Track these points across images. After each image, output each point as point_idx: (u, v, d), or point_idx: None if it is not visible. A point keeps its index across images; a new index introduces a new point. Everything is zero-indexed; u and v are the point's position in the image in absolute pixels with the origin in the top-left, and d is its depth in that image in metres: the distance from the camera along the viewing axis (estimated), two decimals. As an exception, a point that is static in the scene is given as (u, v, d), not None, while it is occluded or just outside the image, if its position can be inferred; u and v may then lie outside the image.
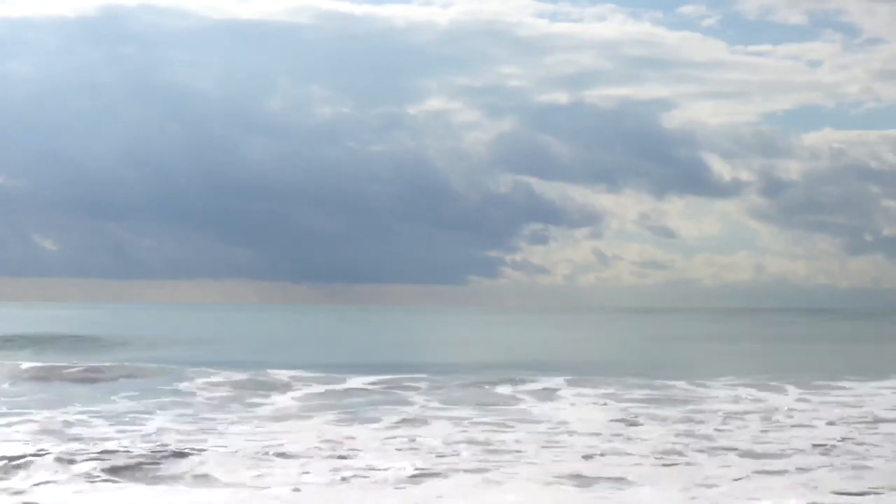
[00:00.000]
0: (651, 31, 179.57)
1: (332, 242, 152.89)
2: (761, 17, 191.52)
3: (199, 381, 33.79)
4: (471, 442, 21.12)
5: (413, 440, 21.24)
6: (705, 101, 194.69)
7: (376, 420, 24.68)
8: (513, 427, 23.52)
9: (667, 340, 70.82)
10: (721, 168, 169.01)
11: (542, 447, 20.55)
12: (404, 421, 24.54)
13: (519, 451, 19.93)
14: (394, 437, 21.66)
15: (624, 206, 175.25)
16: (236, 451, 19.20)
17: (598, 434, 22.48)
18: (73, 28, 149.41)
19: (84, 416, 24.51)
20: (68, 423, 23.14)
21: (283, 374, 35.39)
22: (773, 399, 30.39)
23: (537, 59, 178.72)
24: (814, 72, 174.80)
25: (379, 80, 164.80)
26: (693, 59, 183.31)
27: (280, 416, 25.44)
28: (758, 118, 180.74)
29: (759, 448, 20.63)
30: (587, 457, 19.43)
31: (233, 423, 23.97)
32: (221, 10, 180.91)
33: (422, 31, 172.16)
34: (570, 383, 34.22)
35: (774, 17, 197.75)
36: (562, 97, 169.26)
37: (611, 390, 32.17)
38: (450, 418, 25.04)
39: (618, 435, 22.41)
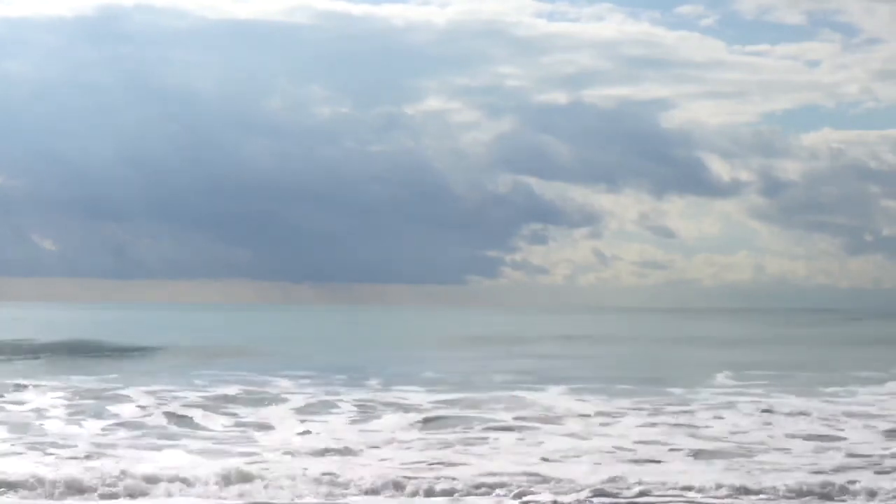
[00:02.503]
0: (649, 30, 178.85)
1: (332, 242, 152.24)
2: (759, 17, 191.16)
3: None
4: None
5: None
6: (704, 100, 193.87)
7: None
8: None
9: (666, 341, 70.44)
10: (720, 168, 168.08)
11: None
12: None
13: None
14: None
15: (623, 206, 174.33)
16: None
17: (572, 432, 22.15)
18: (71, 28, 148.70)
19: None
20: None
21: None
22: (765, 402, 29.98)
23: (536, 58, 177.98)
24: (812, 72, 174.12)
25: (378, 80, 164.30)
26: (692, 58, 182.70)
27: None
28: (757, 118, 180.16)
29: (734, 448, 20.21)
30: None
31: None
32: (219, 9, 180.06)
33: (420, 30, 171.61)
34: (561, 384, 33.92)
35: (772, 17, 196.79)
36: (560, 97, 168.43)
37: (601, 388, 31.86)
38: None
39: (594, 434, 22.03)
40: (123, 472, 16.38)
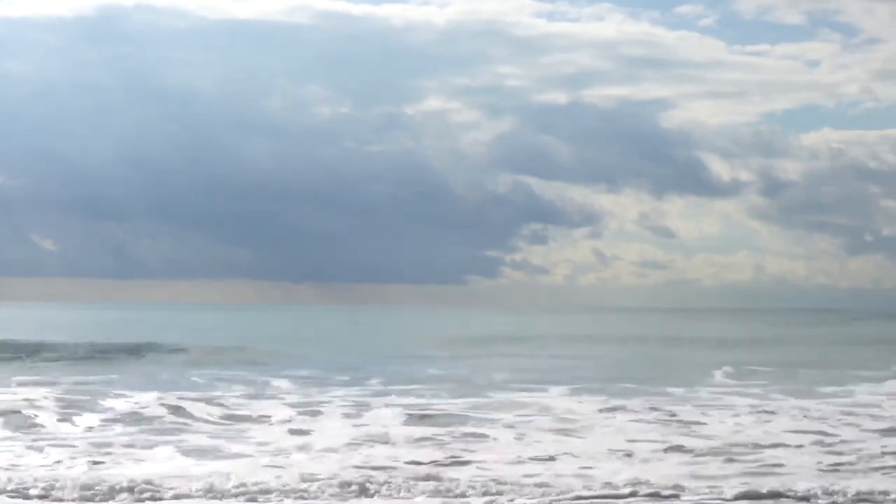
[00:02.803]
0: (649, 30, 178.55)
1: (332, 242, 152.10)
2: (759, 17, 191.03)
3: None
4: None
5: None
6: (704, 100, 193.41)
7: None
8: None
9: (666, 341, 70.38)
10: (720, 168, 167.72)
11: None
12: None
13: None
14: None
15: (623, 206, 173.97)
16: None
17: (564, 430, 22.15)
18: (71, 28, 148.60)
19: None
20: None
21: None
22: (763, 401, 29.98)
23: (535, 58, 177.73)
24: (812, 72, 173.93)
25: (377, 80, 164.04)
26: (691, 58, 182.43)
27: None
28: (757, 118, 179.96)
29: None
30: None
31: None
32: (219, 9, 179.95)
33: (420, 30, 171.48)
34: (560, 384, 33.91)
35: (772, 17, 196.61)
36: (560, 97, 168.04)
37: (600, 387, 31.83)
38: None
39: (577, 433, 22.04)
40: (127, 480, 16.36)
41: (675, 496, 15.83)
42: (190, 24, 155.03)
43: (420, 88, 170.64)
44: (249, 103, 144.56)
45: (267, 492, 15.63)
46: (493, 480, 16.45)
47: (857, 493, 15.98)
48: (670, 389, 32.05)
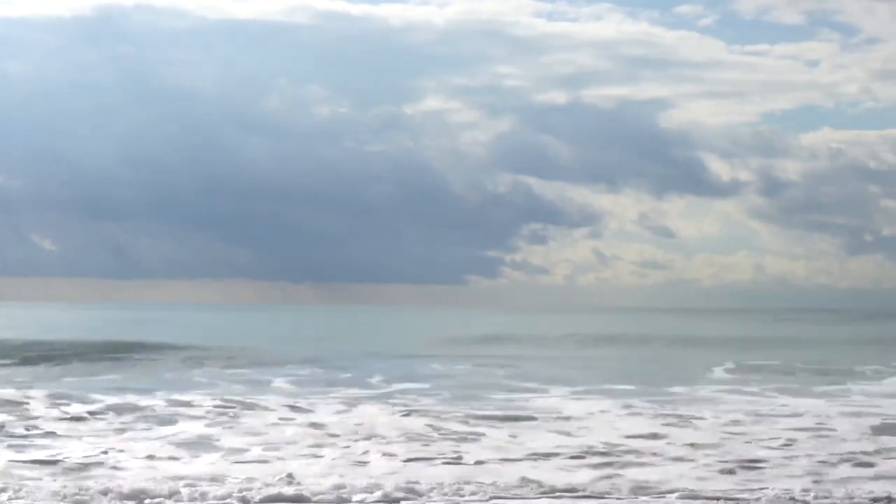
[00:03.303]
0: (648, 30, 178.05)
1: (332, 242, 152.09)
2: (758, 17, 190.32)
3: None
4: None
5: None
6: (703, 100, 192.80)
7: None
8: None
9: (665, 341, 70.43)
10: (720, 168, 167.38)
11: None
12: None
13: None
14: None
15: (623, 206, 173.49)
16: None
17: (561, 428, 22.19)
18: (71, 28, 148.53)
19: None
20: None
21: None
22: (762, 400, 30.03)
23: (535, 58, 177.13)
24: (812, 71, 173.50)
25: (377, 80, 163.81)
26: (691, 58, 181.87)
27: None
28: (756, 118, 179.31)
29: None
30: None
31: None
32: (219, 9, 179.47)
33: (419, 30, 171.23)
34: (560, 383, 33.95)
35: (772, 17, 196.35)
36: (560, 97, 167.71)
37: (600, 387, 31.90)
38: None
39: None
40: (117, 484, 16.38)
41: (672, 494, 15.88)
42: (190, 24, 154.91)
43: (419, 88, 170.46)
44: (249, 104, 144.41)
45: (265, 493, 15.69)
46: (491, 480, 16.51)
47: (856, 493, 16.04)
48: (670, 389, 32.11)
